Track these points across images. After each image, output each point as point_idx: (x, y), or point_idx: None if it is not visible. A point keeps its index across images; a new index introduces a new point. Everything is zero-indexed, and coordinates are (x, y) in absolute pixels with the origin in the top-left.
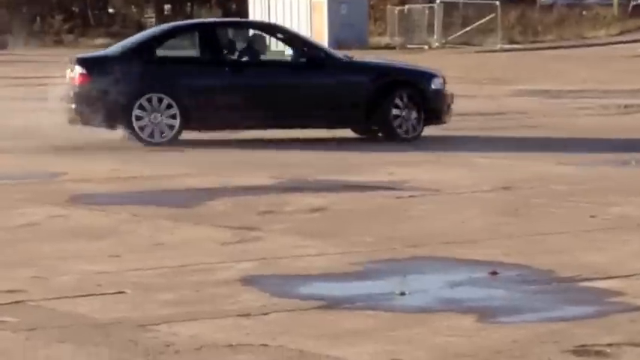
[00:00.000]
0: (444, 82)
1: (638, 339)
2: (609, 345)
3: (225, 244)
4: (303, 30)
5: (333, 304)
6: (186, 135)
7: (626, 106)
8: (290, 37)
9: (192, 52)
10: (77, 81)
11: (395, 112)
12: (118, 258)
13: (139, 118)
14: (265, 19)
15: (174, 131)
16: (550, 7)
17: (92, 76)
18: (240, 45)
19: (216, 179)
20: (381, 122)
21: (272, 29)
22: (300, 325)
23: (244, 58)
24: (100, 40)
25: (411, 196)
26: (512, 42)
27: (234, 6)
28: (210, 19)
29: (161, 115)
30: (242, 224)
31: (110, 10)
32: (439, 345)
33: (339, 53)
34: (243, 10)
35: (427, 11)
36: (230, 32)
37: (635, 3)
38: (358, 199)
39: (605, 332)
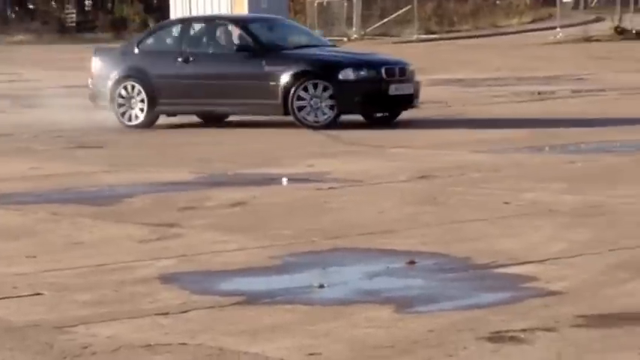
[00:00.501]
0: (370, 72)
1: (551, 324)
2: (523, 330)
3: (144, 242)
4: None
5: (252, 299)
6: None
7: (539, 93)
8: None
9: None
10: (91, 69)
11: (298, 103)
12: (35, 259)
13: (120, 105)
14: (186, 13)
15: (143, 115)
16: None
17: (98, 65)
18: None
19: (136, 175)
20: (290, 111)
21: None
22: (219, 322)
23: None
24: (19, 37)
25: (330, 188)
26: (428, 32)
27: (155, 1)
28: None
29: (134, 100)
30: (162, 221)
31: (30, 7)
32: (357, 337)
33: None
34: (164, 6)
35: (346, 3)
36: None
37: None
38: (278, 192)
39: (520, 318)
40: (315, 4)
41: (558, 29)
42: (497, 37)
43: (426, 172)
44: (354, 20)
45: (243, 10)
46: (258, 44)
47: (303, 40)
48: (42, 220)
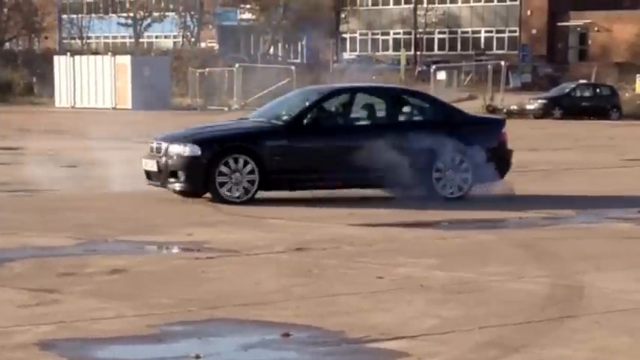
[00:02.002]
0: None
1: None
2: None
3: (23, 307)
4: (107, 90)
5: None
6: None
7: None
8: None
9: None
10: None
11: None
12: None
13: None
14: (70, 79)
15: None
16: (342, 71)
17: None
18: None
19: (16, 239)
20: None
21: None
22: None
23: None
24: None
25: (208, 258)
26: None
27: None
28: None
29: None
30: (41, 286)
31: None
32: None
33: None
34: (48, 70)
35: (227, 74)
36: None
37: (420, 69)
38: (158, 260)
39: None
40: (197, 74)
41: None
42: None
43: (303, 244)
44: (235, 90)
45: (126, 77)
46: None
47: None
48: None
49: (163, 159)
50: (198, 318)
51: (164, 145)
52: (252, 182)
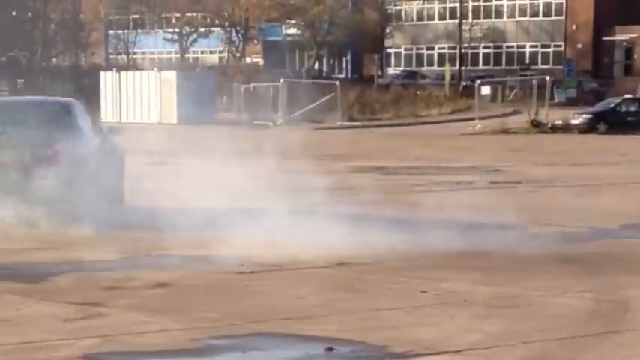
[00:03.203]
0: None
1: None
2: None
3: (68, 320)
4: (153, 105)
5: None
6: None
7: (458, 183)
8: None
9: None
10: None
11: None
12: None
13: None
14: (117, 94)
15: None
16: (387, 86)
17: None
18: None
19: (61, 253)
20: None
21: None
22: None
23: None
24: None
25: (252, 272)
26: (351, 119)
27: (86, 80)
28: None
29: None
30: (86, 300)
31: None
32: None
33: None
34: (95, 86)
35: (272, 89)
36: None
37: (465, 83)
38: (202, 274)
39: None
40: (242, 89)
41: (477, 121)
42: (418, 127)
43: (346, 258)
44: (280, 105)
45: (172, 92)
46: None
47: None
48: None
49: None
50: (242, 332)
51: None
52: None
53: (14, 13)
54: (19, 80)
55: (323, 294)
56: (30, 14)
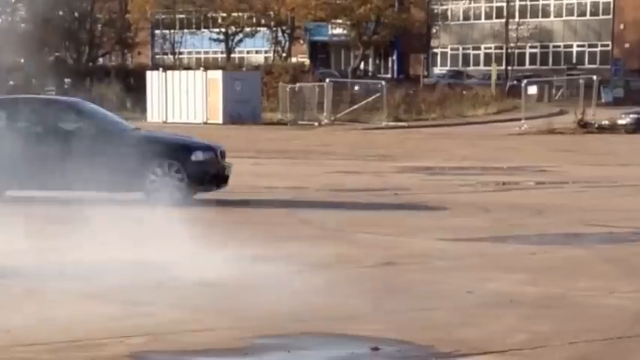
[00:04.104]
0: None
1: None
2: None
3: (114, 319)
4: (199, 105)
5: None
6: None
7: (504, 184)
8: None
9: None
10: None
11: (152, 177)
12: (9, 333)
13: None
14: (162, 93)
15: None
16: (433, 86)
17: None
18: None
19: (107, 253)
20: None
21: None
22: None
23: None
24: None
25: (299, 271)
26: (397, 120)
27: (132, 80)
28: None
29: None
30: (131, 299)
31: (11, 83)
32: None
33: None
34: (141, 85)
35: (317, 89)
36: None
37: (511, 83)
38: (247, 273)
39: None
40: (288, 89)
41: (523, 121)
42: (464, 127)
43: (392, 258)
44: (325, 105)
45: (217, 92)
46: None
47: None
48: (16, 295)
49: None
50: (288, 331)
51: None
52: None
53: (61, 13)
54: (65, 80)
55: (369, 294)
56: (76, 14)
